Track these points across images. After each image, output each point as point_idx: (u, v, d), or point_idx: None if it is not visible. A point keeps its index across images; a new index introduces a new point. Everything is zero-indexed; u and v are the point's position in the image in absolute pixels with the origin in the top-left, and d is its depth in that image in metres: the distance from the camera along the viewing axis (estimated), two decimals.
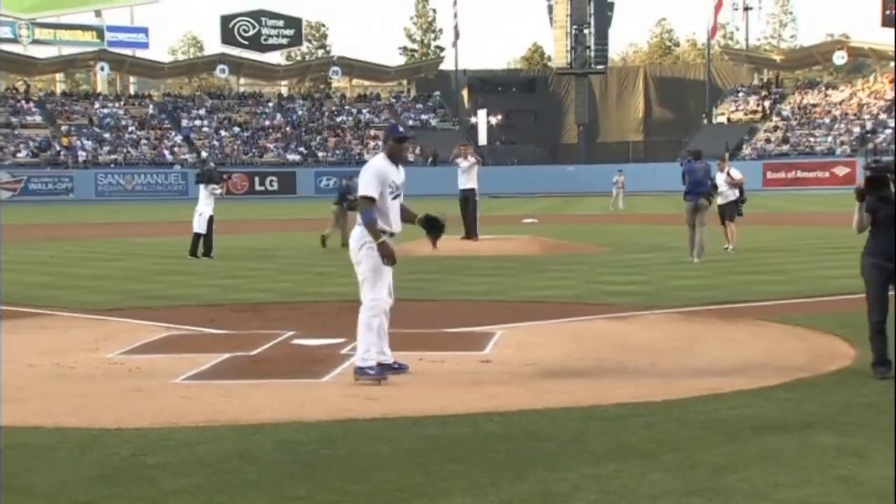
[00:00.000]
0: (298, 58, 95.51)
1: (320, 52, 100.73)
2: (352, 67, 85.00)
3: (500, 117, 78.17)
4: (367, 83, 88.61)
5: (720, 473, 5.45)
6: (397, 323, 8.83)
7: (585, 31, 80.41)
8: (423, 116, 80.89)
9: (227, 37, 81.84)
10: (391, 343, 8.52)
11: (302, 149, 73.73)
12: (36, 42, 77.10)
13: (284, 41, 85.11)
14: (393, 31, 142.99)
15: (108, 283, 16.39)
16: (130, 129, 72.23)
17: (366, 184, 8.10)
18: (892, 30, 64.95)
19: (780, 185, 63.92)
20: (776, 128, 74.17)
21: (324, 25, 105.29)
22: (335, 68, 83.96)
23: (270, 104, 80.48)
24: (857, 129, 70.04)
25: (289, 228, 31.75)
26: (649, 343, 10.04)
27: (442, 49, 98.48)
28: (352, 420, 6.81)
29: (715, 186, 19.27)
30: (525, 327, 11.14)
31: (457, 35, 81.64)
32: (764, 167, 65.86)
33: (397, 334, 8.79)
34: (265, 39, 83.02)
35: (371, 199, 8.07)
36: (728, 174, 20.08)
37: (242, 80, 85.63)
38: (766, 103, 78.14)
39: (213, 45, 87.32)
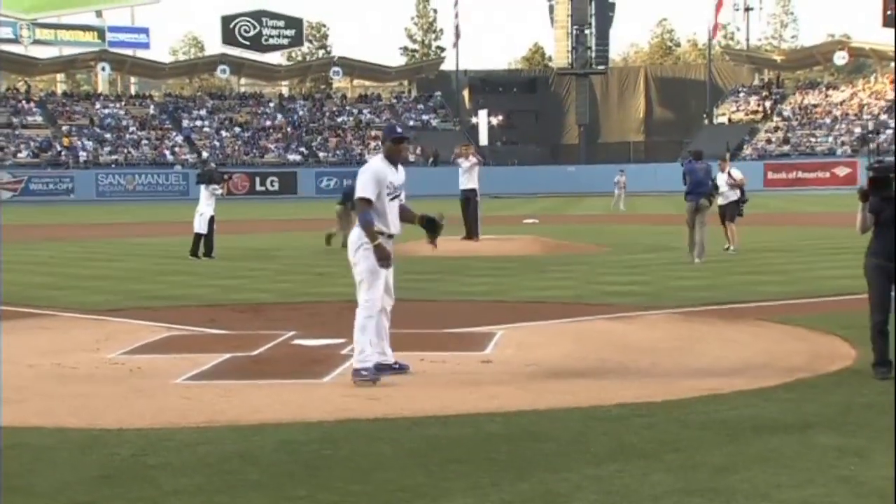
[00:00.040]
0: (299, 58, 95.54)
1: (321, 53, 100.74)
2: (353, 68, 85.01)
3: (500, 117, 78.17)
4: (367, 83, 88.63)
5: (721, 474, 5.45)
6: (398, 323, 8.83)
7: (586, 31, 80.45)
8: (424, 117, 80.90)
9: (228, 37, 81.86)
10: (393, 343, 8.53)
11: (303, 149, 73.73)
12: (37, 42, 77.14)
13: (285, 41, 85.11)
14: (394, 32, 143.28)
15: (108, 283, 16.39)
16: (131, 129, 72.25)
17: (363, 185, 8.11)
18: (893, 30, 64.96)
19: (781, 186, 63.90)
20: (777, 128, 74.16)
21: (325, 26, 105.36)
22: (336, 69, 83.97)
23: (271, 104, 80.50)
24: (857, 130, 70.03)
25: (289, 229, 31.75)
26: (650, 343, 10.03)
27: (443, 49, 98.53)
28: (353, 420, 6.81)
29: (716, 187, 19.27)
30: (526, 327, 11.14)
31: (457, 35, 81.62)
32: (765, 167, 65.84)
33: (398, 334, 8.80)
34: (266, 40, 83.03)
35: (368, 201, 8.07)
36: (729, 174, 20.08)
37: (243, 81, 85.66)
38: (767, 104, 78.13)
39: (214, 45, 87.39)
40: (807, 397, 7.37)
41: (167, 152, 70.04)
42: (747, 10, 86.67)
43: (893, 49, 63.68)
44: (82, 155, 67.17)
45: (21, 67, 77.26)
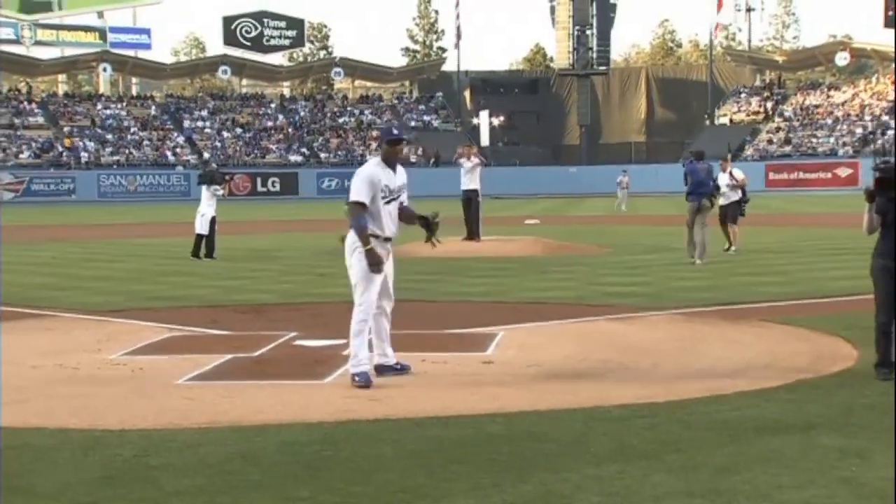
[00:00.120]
0: (300, 59, 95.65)
1: (322, 53, 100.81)
2: (354, 68, 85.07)
3: (502, 118, 78.22)
4: (369, 84, 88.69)
5: (723, 475, 5.45)
6: (399, 324, 8.84)
7: (588, 32, 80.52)
8: (426, 117, 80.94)
9: (230, 38, 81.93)
10: (394, 344, 8.54)
11: (304, 150, 73.77)
12: (38, 43, 77.27)
13: (286, 42, 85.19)
14: (395, 32, 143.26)
15: (110, 284, 16.39)
16: (133, 130, 72.31)
17: (356, 189, 8.12)
18: (894, 31, 64.93)
19: (783, 186, 63.92)
20: (778, 129, 74.16)
21: (326, 26, 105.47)
22: (337, 69, 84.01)
23: (273, 105, 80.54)
24: (859, 131, 70.02)
25: (291, 229, 31.76)
26: (651, 344, 10.03)
27: (444, 50, 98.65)
28: (354, 421, 6.81)
29: (717, 187, 19.26)
30: (527, 328, 11.14)
31: (459, 36, 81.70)
32: (766, 168, 65.87)
33: (399, 335, 8.80)
34: (267, 40, 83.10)
35: (361, 205, 8.08)
36: (730, 174, 20.08)
37: (244, 81, 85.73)
38: (769, 104, 78.14)
39: (216, 46, 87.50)
40: (809, 398, 7.36)
41: (169, 153, 70.09)
42: (749, 10, 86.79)
43: (894, 49, 63.62)
44: (84, 156, 67.23)
45: (23, 68, 77.34)
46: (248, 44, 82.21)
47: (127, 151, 69.33)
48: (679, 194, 19.57)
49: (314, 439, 6.30)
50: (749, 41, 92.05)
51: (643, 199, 49.07)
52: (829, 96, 76.91)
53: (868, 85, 76.93)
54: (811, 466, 5.59)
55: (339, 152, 73.38)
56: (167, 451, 6.06)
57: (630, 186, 45.85)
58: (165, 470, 5.66)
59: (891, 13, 69.66)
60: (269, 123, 76.89)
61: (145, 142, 71.07)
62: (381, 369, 8.38)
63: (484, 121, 73.99)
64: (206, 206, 20.47)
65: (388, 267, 8.36)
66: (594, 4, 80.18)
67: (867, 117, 71.55)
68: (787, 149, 70.62)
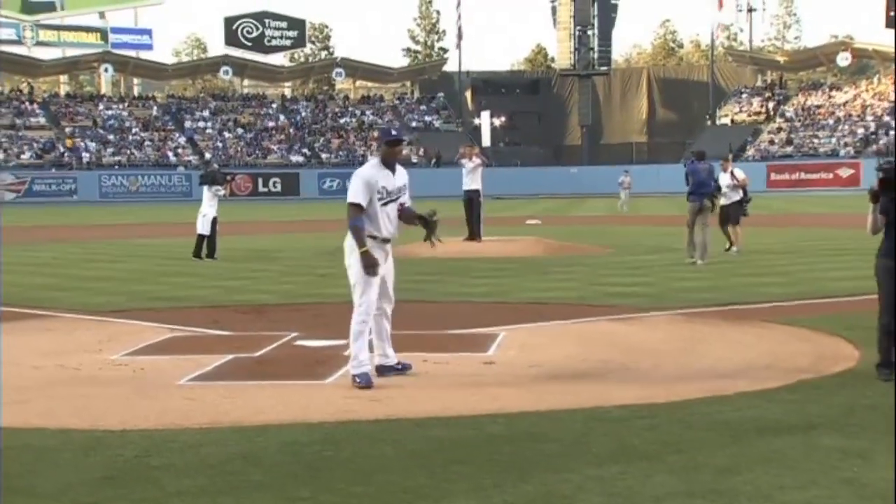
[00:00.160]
0: (302, 59, 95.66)
1: (324, 54, 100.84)
2: (355, 69, 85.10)
3: (503, 119, 78.25)
4: (370, 84, 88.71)
5: (724, 475, 5.45)
6: (400, 324, 8.83)
7: (589, 32, 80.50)
8: (427, 118, 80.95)
9: (231, 38, 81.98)
10: (395, 344, 8.53)
11: (305, 150, 73.78)
12: (40, 44, 77.33)
13: (288, 43, 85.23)
14: (396, 33, 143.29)
15: (111, 284, 16.40)
16: (134, 130, 72.34)
17: (353, 191, 8.13)
18: (894, 31, 64.88)
19: (784, 187, 63.90)
20: (780, 129, 74.14)
21: (327, 27, 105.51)
22: (338, 69, 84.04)
23: (274, 105, 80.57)
24: (860, 131, 69.99)
25: (292, 230, 31.76)
26: (653, 345, 10.03)
27: (445, 50, 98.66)
28: (355, 421, 6.81)
29: (718, 188, 19.25)
30: (528, 329, 11.13)
31: (460, 36, 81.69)
32: (767, 168, 65.83)
33: (400, 336, 8.80)
34: (269, 41, 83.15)
35: (358, 207, 8.08)
36: (732, 174, 20.08)
37: (246, 82, 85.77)
38: (770, 105, 78.13)
39: (217, 46, 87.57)
40: (810, 399, 7.36)
41: (170, 153, 70.12)
42: (750, 11, 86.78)
43: (894, 50, 63.57)
44: (85, 156, 67.26)
45: (24, 69, 77.39)
46: (250, 44, 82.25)
47: (128, 152, 69.36)
48: (680, 195, 19.56)
49: (315, 440, 6.30)
50: (750, 41, 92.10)
51: (644, 200, 49.06)
52: (830, 97, 76.89)
53: (869, 85, 76.90)
54: (813, 467, 5.59)
55: (341, 153, 73.39)
56: (168, 451, 6.06)
57: (632, 186, 45.81)
58: (167, 470, 5.66)
59: (892, 13, 69.61)
60: (271, 124, 76.91)
61: (147, 142, 71.10)
62: (382, 370, 8.38)
63: (485, 121, 74.06)
64: (208, 207, 20.48)
65: (388, 268, 8.35)
66: (595, 5, 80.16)
67: (869, 118, 71.53)
68: (789, 149, 70.59)
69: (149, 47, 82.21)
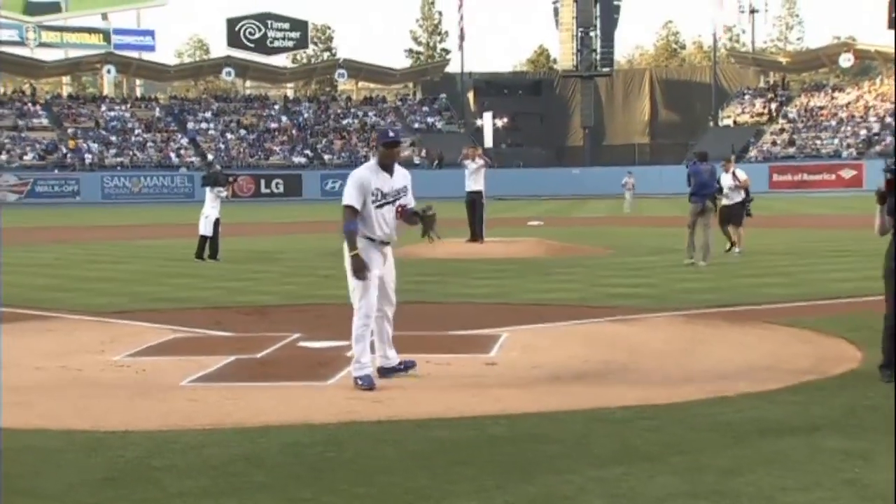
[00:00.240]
0: (304, 60, 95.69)
1: (326, 55, 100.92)
2: (357, 70, 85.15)
3: (505, 120, 78.25)
4: (372, 85, 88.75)
5: (727, 477, 5.44)
6: (402, 325, 8.83)
7: (591, 33, 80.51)
8: (429, 119, 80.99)
9: (233, 39, 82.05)
10: (397, 346, 8.52)
11: (308, 151, 73.82)
12: (42, 45, 77.41)
13: (290, 44, 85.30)
14: (398, 34, 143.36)
15: (114, 285, 16.41)
16: (137, 131, 72.40)
17: (346, 193, 8.12)
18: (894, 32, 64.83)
19: (786, 188, 63.90)
20: (782, 130, 74.13)
21: (329, 28, 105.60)
22: (341, 71, 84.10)
23: (276, 107, 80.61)
24: (863, 132, 69.97)
25: (294, 231, 31.78)
26: (654, 346, 10.02)
27: (448, 51, 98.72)
28: (357, 423, 6.81)
29: (720, 189, 19.24)
30: (530, 330, 11.13)
31: (462, 37, 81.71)
32: (770, 170, 65.85)
33: (402, 337, 8.79)
34: (271, 42, 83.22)
35: (351, 209, 8.07)
36: (733, 175, 20.07)
37: (248, 83, 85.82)
38: (773, 106, 78.11)
39: (219, 47, 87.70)
40: (812, 400, 7.35)
41: (172, 154, 70.16)
42: (753, 12, 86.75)
43: (894, 51, 63.52)
44: (88, 157, 67.33)
45: (27, 70, 77.48)
46: (252, 45, 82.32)
47: (131, 153, 69.41)
48: (683, 196, 19.55)
49: (317, 441, 6.30)
50: (753, 43, 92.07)
51: (647, 201, 49.04)
52: (833, 98, 76.86)
53: (872, 86, 76.87)
54: (815, 468, 5.59)
55: (343, 154, 73.42)
56: (171, 452, 6.06)
57: (636, 188, 45.81)
58: (169, 471, 5.67)
59: (894, 14, 69.55)
60: (273, 125, 76.95)
61: (149, 143, 71.15)
62: (384, 371, 8.37)
63: (487, 122, 73.96)
64: (210, 208, 20.49)
65: (388, 270, 8.32)
66: (598, 6, 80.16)
67: (871, 119, 71.50)
68: (791, 150, 70.58)
69: (151, 48, 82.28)
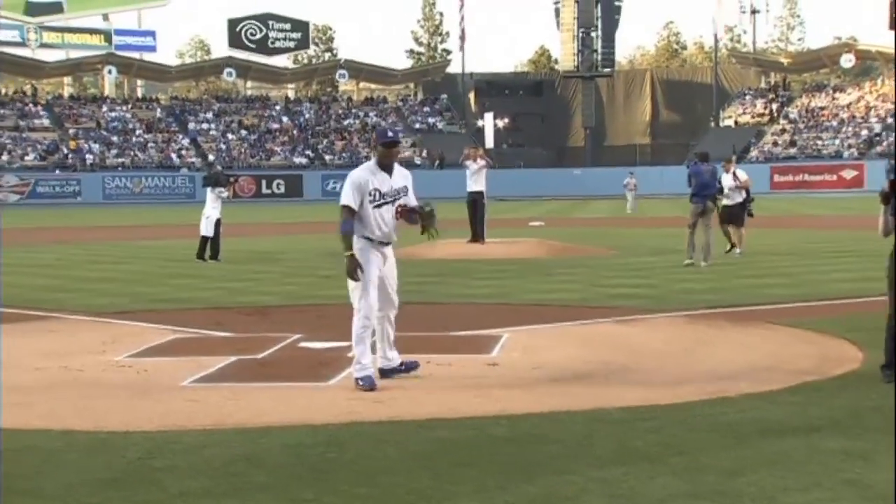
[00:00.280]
0: (305, 61, 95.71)
1: (327, 56, 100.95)
2: (359, 70, 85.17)
3: (506, 120, 78.28)
4: (373, 86, 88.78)
5: (728, 477, 5.44)
6: (403, 326, 8.83)
7: (592, 34, 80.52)
8: (430, 119, 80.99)
9: (235, 40, 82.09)
10: (398, 346, 8.51)
11: (309, 152, 73.84)
12: (44, 46, 77.46)
13: (291, 44, 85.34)
14: (400, 34, 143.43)
15: (115, 285, 16.41)
16: (138, 132, 72.43)
17: (344, 193, 8.12)
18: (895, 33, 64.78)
19: (788, 188, 63.89)
20: (783, 131, 74.11)
21: (331, 28, 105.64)
22: (342, 71, 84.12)
23: (277, 107, 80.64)
24: (864, 133, 69.95)
25: (295, 232, 31.79)
26: (655, 346, 10.02)
27: (449, 52, 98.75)
28: (359, 423, 6.81)
29: (721, 189, 19.23)
30: (531, 330, 11.12)
31: (463, 38, 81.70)
32: (771, 170, 65.86)
33: (403, 337, 8.79)
34: (272, 43, 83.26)
35: (348, 209, 8.06)
36: (734, 175, 20.08)
37: (249, 84, 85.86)
38: (774, 106, 78.10)
39: (221, 48, 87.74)
40: (813, 400, 7.35)
41: (173, 155, 70.19)
42: (754, 12, 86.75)
43: (894, 52, 63.47)
44: (89, 158, 67.36)
45: (28, 70, 77.55)
46: (253, 46, 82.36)
47: (132, 153, 69.43)
48: (684, 196, 19.55)
49: (319, 441, 6.30)
50: (754, 43, 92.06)
51: (648, 201, 49.04)
52: (834, 98, 76.85)
53: (873, 87, 76.83)
54: (816, 469, 5.58)
55: (344, 154, 73.43)
56: (172, 452, 6.06)
57: (638, 188, 45.80)
58: (170, 472, 5.67)
59: None
60: (274, 125, 76.97)
61: (150, 144, 71.18)
62: (384, 372, 8.35)
63: (488, 123, 74.07)
64: (211, 209, 20.49)
65: (388, 271, 8.29)
66: (599, 6, 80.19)
67: (872, 119, 71.48)
68: (793, 151, 70.57)
69: (152, 49, 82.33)
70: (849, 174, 64.11)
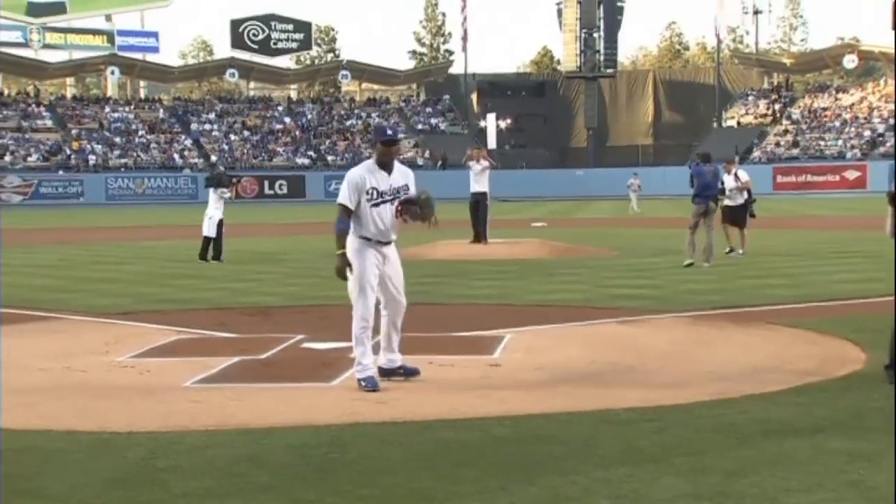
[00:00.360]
0: (308, 62, 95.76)
1: (330, 56, 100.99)
2: (361, 71, 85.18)
3: (509, 121, 78.22)
4: (376, 87, 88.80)
5: (731, 478, 5.44)
6: (406, 326, 8.81)
7: (595, 34, 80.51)
8: (433, 120, 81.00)
9: (237, 41, 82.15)
10: (402, 346, 8.49)
11: (311, 153, 73.86)
12: (47, 46, 77.55)
13: (294, 45, 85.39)
14: (402, 35, 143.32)
15: (117, 286, 16.42)
16: (140, 133, 72.48)
17: (341, 192, 8.10)
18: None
19: (790, 189, 63.84)
20: (786, 131, 74.06)
21: (333, 29, 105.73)
22: (344, 72, 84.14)
23: (280, 108, 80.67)
24: (867, 133, 69.90)
25: (298, 232, 31.78)
26: (659, 347, 10.02)
27: (451, 53, 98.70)
28: (361, 424, 6.81)
29: (723, 190, 19.21)
30: (534, 331, 11.12)
31: (465, 38, 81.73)
32: (774, 171, 65.82)
33: (405, 338, 8.77)
34: (275, 43, 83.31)
35: (343, 208, 8.05)
36: (736, 176, 20.07)
37: (252, 84, 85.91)
38: (777, 107, 78.05)
39: (223, 49, 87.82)
40: (817, 401, 7.34)
41: (176, 156, 70.24)
42: (756, 13, 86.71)
43: (894, 52, 63.36)
44: (92, 158, 67.41)
45: (31, 71, 77.64)
46: (256, 47, 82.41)
47: (135, 154, 69.48)
48: (686, 197, 19.54)
49: (321, 442, 6.30)
50: (756, 44, 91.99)
51: (650, 202, 49.02)
52: (836, 99, 76.79)
53: (876, 87, 76.78)
54: (819, 470, 5.58)
55: (347, 155, 73.44)
56: (175, 453, 6.07)
57: (641, 189, 45.77)
58: (173, 472, 5.67)
59: None
60: (277, 126, 77.00)
61: (153, 145, 71.22)
62: (384, 371, 8.33)
63: (491, 123, 73.93)
64: (214, 209, 20.50)
65: (390, 271, 8.23)
66: (601, 7, 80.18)
67: (875, 120, 71.43)
68: (795, 151, 70.52)
69: (155, 50, 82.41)
70: (851, 175, 64.06)
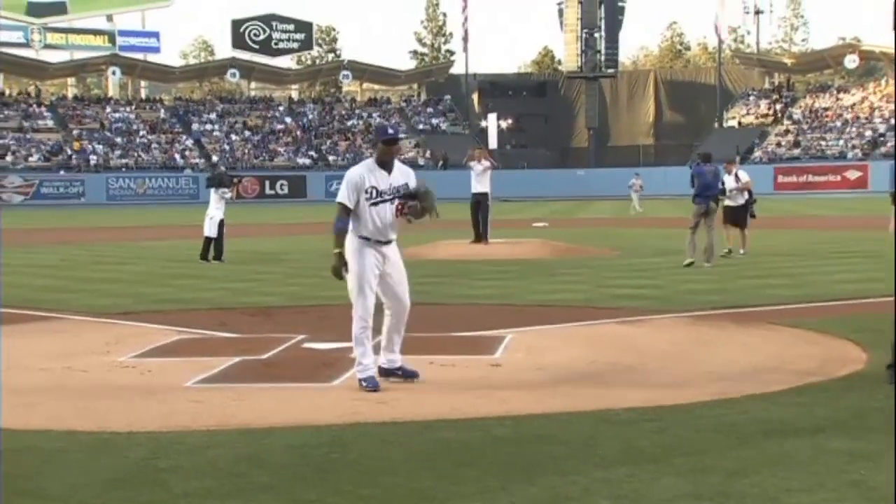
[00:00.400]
0: (309, 62, 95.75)
1: (331, 56, 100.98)
2: (362, 71, 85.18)
3: (510, 121, 78.23)
4: (377, 87, 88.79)
5: (732, 478, 5.44)
6: (407, 326, 8.82)
7: (596, 34, 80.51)
8: (434, 120, 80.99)
9: (238, 41, 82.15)
10: (403, 346, 8.49)
11: (312, 153, 73.85)
12: (48, 47, 77.57)
13: (295, 45, 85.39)
14: (403, 35, 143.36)
15: (118, 286, 16.42)
16: (142, 133, 72.48)
17: (341, 191, 8.10)
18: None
19: (791, 189, 63.81)
20: (787, 131, 74.03)
21: (334, 29, 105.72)
22: (345, 72, 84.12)
23: (281, 108, 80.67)
24: (868, 133, 69.86)
25: (299, 232, 31.78)
26: (659, 347, 10.01)
27: (452, 53, 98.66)
28: (362, 424, 6.81)
29: (723, 190, 19.20)
30: (535, 331, 11.12)
31: (466, 39, 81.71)
32: (775, 171, 65.79)
33: (407, 338, 8.77)
34: (276, 43, 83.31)
35: (343, 207, 8.04)
36: (736, 176, 20.06)
37: (253, 84, 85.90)
38: (778, 107, 78.01)
39: (224, 49, 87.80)
40: (817, 401, 7.34)
41: (177, 156, 70.25)
42: (757, 13, 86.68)
43: (894, 52, 63.30)
44: (93, 159, 67.41)
45: (32, 71, 77.65)
46: (257, 47, 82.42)
47: (136, 154, 69.49)
48: (687, 197, 19.54)
49: (322, 442, 6.30)
50: (758, 44, 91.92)
51: (651, 202, 49.00)
52: (838, 99, 76.76)
53: (877, 87, 76.75)
54: (820, 470, 5.58)
55: (348, 155, 73.42)
56: (176, 453, 6.07)
57: (643, 189, 45.75)
58: (174, 472, 5.67)
59: None
60: (278, 126, 77.00)
61: (154, 145, 71.23)
62: (383, 371, 8.32)
63: (492, 123, 73.95)
64: (215, 209, 20.50)
65: (391, 270, 8.22)
66: (602, 7, 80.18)
67: (876, 120, 71.39)
68: (796, 151, 70.48)
69: (156, 50, 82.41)
70: (853, 175, 64.03)
